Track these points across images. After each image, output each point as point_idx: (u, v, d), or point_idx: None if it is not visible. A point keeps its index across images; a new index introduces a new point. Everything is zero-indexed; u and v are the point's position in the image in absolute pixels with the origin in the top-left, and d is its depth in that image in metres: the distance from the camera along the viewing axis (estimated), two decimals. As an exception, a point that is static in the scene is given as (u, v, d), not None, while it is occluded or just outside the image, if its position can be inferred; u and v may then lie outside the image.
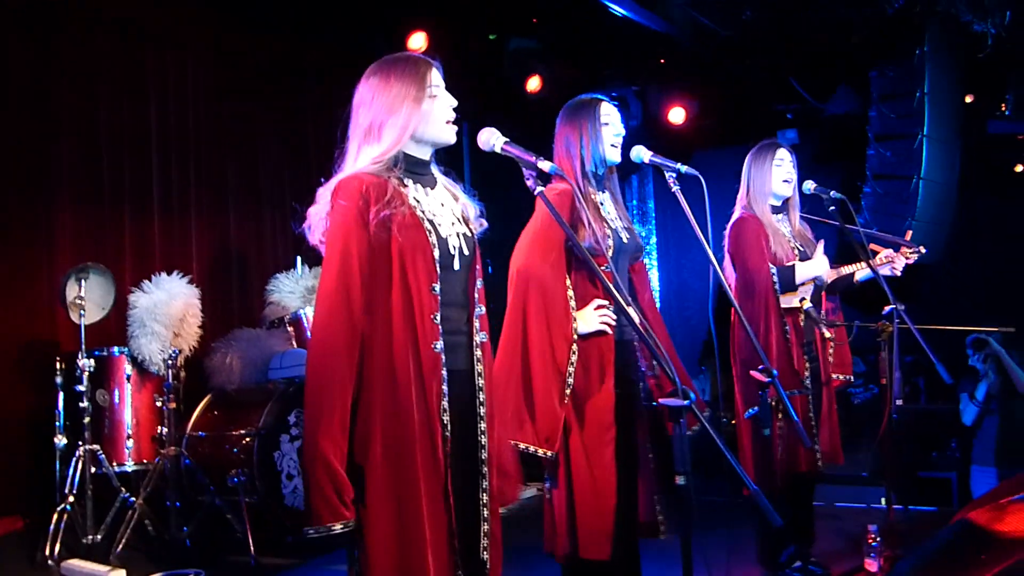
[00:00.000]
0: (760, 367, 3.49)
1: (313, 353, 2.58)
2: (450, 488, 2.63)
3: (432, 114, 2.75)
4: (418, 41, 7.22)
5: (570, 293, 3.45)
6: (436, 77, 2.79)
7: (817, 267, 4.49)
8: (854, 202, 4.78)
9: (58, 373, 5.34)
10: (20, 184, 5.97)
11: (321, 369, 2.55)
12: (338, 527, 2.49)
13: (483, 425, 2.77)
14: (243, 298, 7.38)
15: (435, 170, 2.91)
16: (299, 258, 6.79)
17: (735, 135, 9.15)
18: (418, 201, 2.73)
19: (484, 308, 2.85)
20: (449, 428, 2.66)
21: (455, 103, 2.82)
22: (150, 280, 5.77)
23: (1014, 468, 6.55)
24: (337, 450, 2.50)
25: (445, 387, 2.66)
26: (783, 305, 4.44)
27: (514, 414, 3.28)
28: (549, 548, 3.52)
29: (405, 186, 2.73)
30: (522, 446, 3.28)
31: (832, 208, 4.53)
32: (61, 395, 5.34)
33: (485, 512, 2.75)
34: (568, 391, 3.38)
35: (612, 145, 3.58)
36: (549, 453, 3.32)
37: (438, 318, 2.65)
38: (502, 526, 2.85)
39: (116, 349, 5.61)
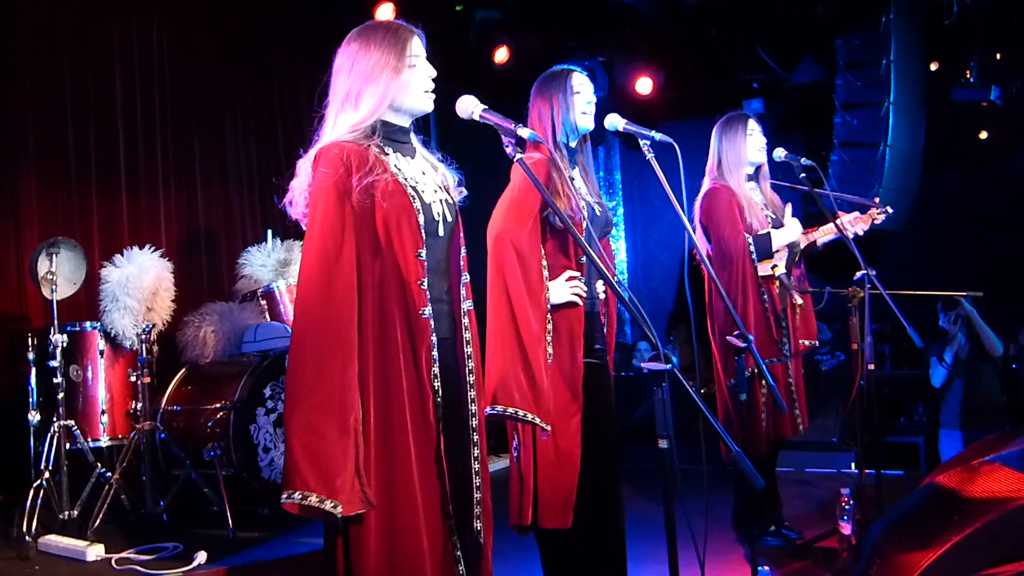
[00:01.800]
0: (735, 332, 3.51)
1: (300, 326, 2.52)
2: (443, 454, 2.63)
3: (410, 84, 2.74)
4: (385, 12, 7.16)
5: (544, 263, 3.46)
6: (417, 46, 2.77)
7: (791, 232, 4.53)
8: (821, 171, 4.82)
9: (30, 349, 5.29)
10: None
11: (313, 341, 2.50)
12: (328, 504, 2.43)
13: (472, 393, 2.77)
14: (212, 272, 7.35)
15: (414, 139, 2.90)
16: (270, 231, 6.77)
17: (701, 106, 9.18)
18: (399, 169, 2.72)
19: (468, 276, 2.84)
20: (440, 394, 2.66)
21: (434, 73, 2.81)
22: (121, 255, 5.72)
23: (979, 431, 6.65)
24: (326, 424, 2.46)
25: (435, 353, 2.65)
26: (759, 274, 4.48)
27: (512, 382, 3.18)
28: (514, 520, 3.45)
29: (386, 154, 2.72)
30: (520, 413, 3.16)
31: (803, 176, 4.56)
32: (34, 371, 5.29)
33: (477, 480, 2.75)
34: (550, 361, 3.40)
35: (584, 112, 3.58)
36: (549, 427, 3.26)
37: (425, 284, 2.65)
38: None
39: (88, 324, 5.57)
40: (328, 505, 2.41)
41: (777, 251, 4.51)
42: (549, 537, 3.49)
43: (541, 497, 3.39)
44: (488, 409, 3.09)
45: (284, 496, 2.43)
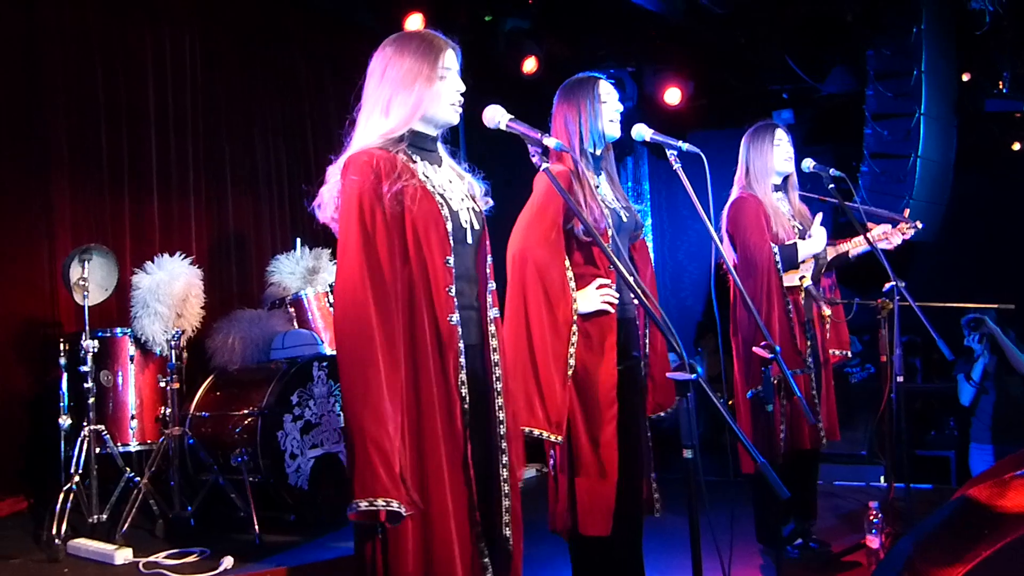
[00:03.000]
0: (763, 343, 3.50)
1: (345, 334, 2.53)
2: (470, 460, 2.64)
3: (441, 94, 2.75)
4: (415, 23, 7.19)
5: (569, 274, 3.46)
6: (450, 59, 2.79)
7: (818, 243, 4.51)
8: (851, 182, 4.80)
9: (62, 354, 5.33)
10: (18, 164, 5.99)
11: (358, 347, 2.50)
12: (395, 505, 2.44)
13: (500, 400, 2.77)
14: (242, 279, 7.39)
15: (441, 148, 2.91)
16: (298, 239, 6.79)
17: (730, 116, 9.17)
18: (427, 176, 2.73)
19: (495, 284, 2.85)
20: (467, 401, 2.66)
21: (463, 88, 2.82)
22: (151, 261, 5.77)
23: (1011, 444, 6.60)
24: (384, 428, 2.46)
25: (462, 359, 2.66)
26: (784, 284, 4.46)
27: (525, 399, 3.28)
28: (553, 526, 3.54)
29: (414, 162, 2.74)
30: (535, 432, 3.28)
31: (832, 186, 4.54)
32: (65, 376, 5.33)
33: (506, 487, 2.75)
34: (570, 372, 3.40)
35: (611, 121, 3.59)
36: (559, 438, 3.32)
37: (453, 291, 2.66)
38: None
39: (119, 330, 5.60)
40: (403, 509, 2.46)
41: (803, 262, 4.49)
42: (586, 544, 3.49)
43: (579, 504, 3.42)
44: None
45: (365, 504, 2.42)
